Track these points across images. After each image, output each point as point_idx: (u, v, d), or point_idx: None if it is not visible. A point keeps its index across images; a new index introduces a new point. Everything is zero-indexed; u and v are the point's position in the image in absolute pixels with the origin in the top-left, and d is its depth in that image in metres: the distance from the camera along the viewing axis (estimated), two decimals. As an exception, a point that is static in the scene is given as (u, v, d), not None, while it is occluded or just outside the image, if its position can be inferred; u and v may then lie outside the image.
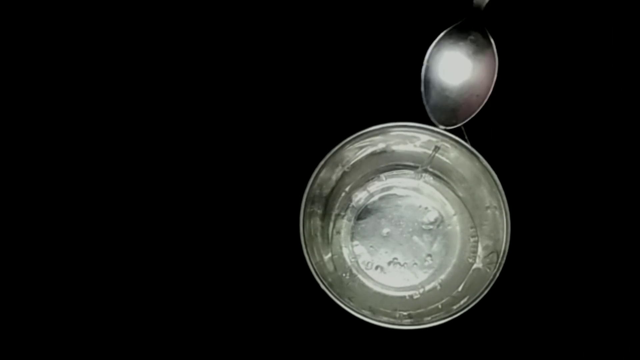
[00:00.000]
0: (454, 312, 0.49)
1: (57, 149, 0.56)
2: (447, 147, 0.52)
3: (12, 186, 0.56)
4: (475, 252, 0.53)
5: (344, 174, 0.54)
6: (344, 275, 0.54)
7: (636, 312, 0.54)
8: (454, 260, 0.54)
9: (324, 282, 0.49)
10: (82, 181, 0.56)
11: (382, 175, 0.55)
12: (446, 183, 0.54)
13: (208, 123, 0.56)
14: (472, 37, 0.52)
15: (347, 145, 0.52)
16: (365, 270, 0.54)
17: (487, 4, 0.52)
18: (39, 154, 0.56)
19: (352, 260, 0.54)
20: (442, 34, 0.52)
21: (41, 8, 0.58)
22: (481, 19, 0.52)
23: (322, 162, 0.51)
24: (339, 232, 0.55)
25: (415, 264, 0.54)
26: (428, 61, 0.52)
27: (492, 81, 0.52)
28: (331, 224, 0.54)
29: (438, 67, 0.52)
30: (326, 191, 0.53)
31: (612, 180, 0.55)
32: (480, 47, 0.52)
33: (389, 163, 0.55)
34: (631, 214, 0.55)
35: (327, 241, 0.54)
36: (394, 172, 0.55)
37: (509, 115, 0.55)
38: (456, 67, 0.52)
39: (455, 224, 0.54)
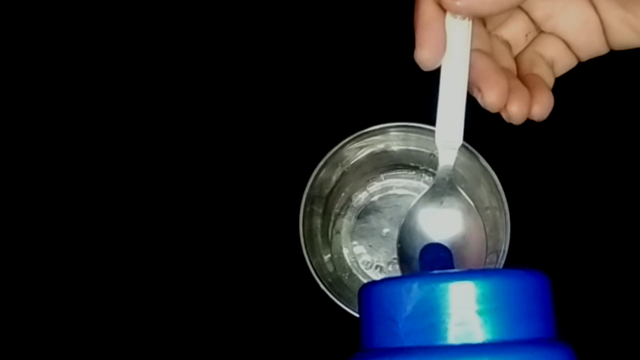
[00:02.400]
0: (454, 312, 0.49)
1: (57, 149, 0.56)
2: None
3: (12, 186, 0.56)
4: (475, 252, 0.53)
5: (344, 174, 0.54)
6: (343, 275, 0.54)
7: (636, 313, 0.54)
8: (453, 261, 0.53)
9: (324, 282, 0.49)
10: (82, 182, 0.56)
11: (382, 175, 0.55)
12: (446, 183, 0.54)
13: (208, 123, 0.56)
14: (444, 202, 0.43)
15: (347, 145, 0.52)
16: (365, 270, 0.54)
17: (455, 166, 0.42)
18: (39, 154, 0.56)
19: (352, 260, 0.54)
20: (411, 207, 0.42)
21: (41, 8, 0.58)
22: (451, 181, 0.43)
23: (322, 162, 0.51)
24: (338, 232, 0.55)
25: (415, 264, 0.54)
26: (400, 242, 0.43)
27: (481, 247, 0.43)
28: (331, 224, 0.54)
29: (415, 245, 0.42)
30: (326, 191, 0.53)
31: (612, 181, 0.55)
32: (458, 213, 0.43)
33: (389, 163, 0.55)
34: (631, 214, 0.55)
35: (327, 241, 0.54)
36: (394, 172, 0.55)
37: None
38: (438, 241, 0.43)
39: (455, 224, 0.54)
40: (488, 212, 0.51)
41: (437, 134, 0.40)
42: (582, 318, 0.54)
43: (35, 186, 0.56)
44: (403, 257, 0.43)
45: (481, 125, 0.53)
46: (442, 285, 0.31)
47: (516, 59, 0.43)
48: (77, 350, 0.54)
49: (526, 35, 0.43)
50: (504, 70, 0.40)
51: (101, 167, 0.56)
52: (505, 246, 0.50)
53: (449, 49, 0.39)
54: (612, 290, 0.54)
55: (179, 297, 0.55)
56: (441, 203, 0.43)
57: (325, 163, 0.51)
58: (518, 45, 0.43)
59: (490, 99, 0.38)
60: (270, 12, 0.57)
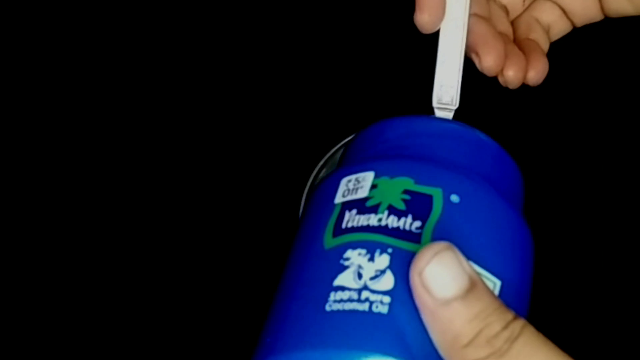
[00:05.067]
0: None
1: (57, 149, 0.56)
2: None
3: (12, 186, 0.56)
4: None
5: (344, 174, 0.54)
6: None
7: (636, 313, 0.54)
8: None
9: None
10: (82, 182, 0.56)
11: (382, 176, 0.55)
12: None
13: (208, 123, 0.56)
14: None
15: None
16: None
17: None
18: (39, 154, 0.56)
19: (352, 260, 0.54)
20: None
21: (41, 8, 0.58)
22: None
23: (321, 162, 0.51)
24: (338, 232, 0.55)
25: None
26: None
27: None
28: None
29: None
30: (326, 191, 0.53)
31: (612, 180, 0.55)
32: None
33: (388, 163, 0.55)
34: (631, 214, 0.55)
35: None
36: (394, 172, 0.55)
37: (508, 115, 0.55)
38: None
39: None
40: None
41: (434, 97, 0.40)
42: (582, 318, 0.54)
43: (35, 186, 0.56)
44: None
45: (480, 125, 0.53)
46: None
47: (513, 23, 0.43)
48: (77, 350, 0.54)
49: (524, 1, 0.43)
50: (501, 35, 0.41)
51: (101, 167, 0.56)
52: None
53: (447, 12, 0.39)
54: (613, 290, 0.54)
55: (179, 296, 0.55)
56: None
57: (325, 163, 0.51)
58: (515, 10, 0.43)
59: (487, 63, 0.39)
60: (270, 12, 0.57)
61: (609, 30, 0.53)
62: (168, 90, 0.57)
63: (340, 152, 0.52)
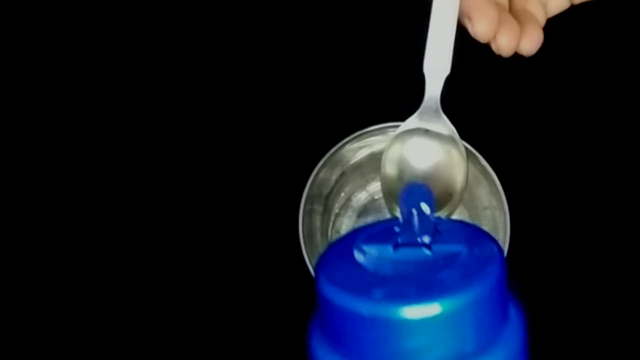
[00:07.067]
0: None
1: (57, 149, 0.57)
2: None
3: (12, 186, 0.56)
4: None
5: (344, 174, 0.54)
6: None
7: (636, 313, 0.54)
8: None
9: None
10: (82, 182, 0.56)
11: (382, 175, 0.55)
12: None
13: (208, 124, 0.56)
14: (430, 131, 0.42)
15: (347, 145, 0.52)
16: (364, 270, 0.54)
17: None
18: (39, 154, 0.57)
19: (352, 260, 0.54)
20: (395, 134, 0.43)
21: (41, 8, 0.58)
22: (438, 109, 0.42)
23: (321, 162, 0.51)
24: (338, 232, 0.55)
25: (415, 264, 0.53)
26: (383, 171, 0.42)
27: (464, 174, 0.43)
28: (331, 224, 0.54)
29: (399, 175, 0.42)
30: (326, 191, 0.53)
31: (612, 180, 0.55)
32: (442, 140, 0.42)
33: (388, 163, 0.55)
34: (630, 214, 0.55)
35: (327, 241, 0.54)
36: (394, 172, 0.55)
37: (508, 116, 0.55)
38: (418, 170, 0.42)
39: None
40: (488, 212, 0.51)
41: (425, 63, 0.40)
42: (581, 318, 0.54)
43: (35, 186, 0.56)
44: (387, 187, 0.43)
45: (481, 125, 0.53)
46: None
47: None
48: (77, 350, 0.55)
49: None
50: (496, 4, 0.41)
51: (101, 167, 0.56)
52: (505, 246, 0.50)
53: None
54: (613, 291, 0.54)
55: (179, 297, 0.55)
56: (426, 131, 0.43)
57: (325, 163, 0.51)
58: None
59: (479, 28, 0.40)
60: (270, 12, 0.57)
61: (607, 10, 0.53)
62: (168, 90, 0.57)
63: (340, 152, 0.52)
